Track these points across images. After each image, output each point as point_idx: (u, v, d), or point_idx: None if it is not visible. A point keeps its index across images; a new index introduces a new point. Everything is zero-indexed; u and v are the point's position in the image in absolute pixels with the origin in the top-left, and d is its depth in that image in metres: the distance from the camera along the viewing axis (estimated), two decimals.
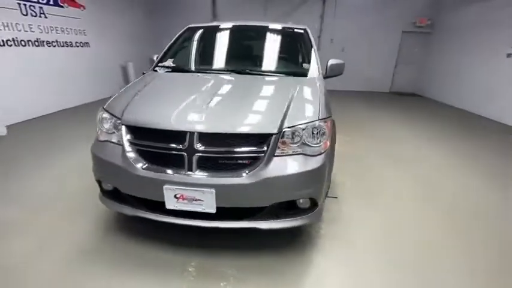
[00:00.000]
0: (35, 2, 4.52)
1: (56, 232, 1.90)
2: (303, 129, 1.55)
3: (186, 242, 1.81)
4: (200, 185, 1.42)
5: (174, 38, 2.79)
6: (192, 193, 1.44)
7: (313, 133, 1.57)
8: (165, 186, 1.44)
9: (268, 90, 1.97)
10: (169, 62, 2.48)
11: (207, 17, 8.00)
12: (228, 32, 2.82)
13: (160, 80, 2.19)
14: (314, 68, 2.35)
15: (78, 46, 5.53)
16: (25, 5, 4.35)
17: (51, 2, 4.84)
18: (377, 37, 7.99)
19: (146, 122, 1.53)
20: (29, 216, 2.06)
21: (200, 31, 2.87)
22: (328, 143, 1.64)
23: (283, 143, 1.51)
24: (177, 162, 1.47)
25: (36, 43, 4.61)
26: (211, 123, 1.50)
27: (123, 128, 1.58)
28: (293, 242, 1.86)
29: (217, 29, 2.88)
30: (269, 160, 1.46)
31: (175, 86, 2.07)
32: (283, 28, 2.83)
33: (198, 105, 1.64)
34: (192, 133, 1.45)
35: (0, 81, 4.05)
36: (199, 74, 2.28)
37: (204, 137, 1.47)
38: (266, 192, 1.47)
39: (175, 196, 1.46)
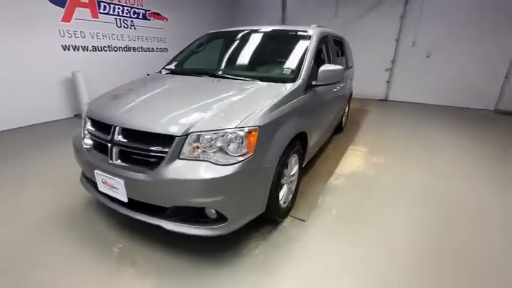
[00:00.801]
0: (127, 17, 5.76)
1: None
2: (222, 136, 1.49)
3: (130, 225, 2.01)
4: (115, 175, 1.58)
5: (190, 43, 3.07)
6: (111, 181, 1.61)
7: (231, 141, 1.49)
8: (95, 171, 1.67)
9: (217, 93, 1.92)
10: (171, 65, 2.77)
11: (278, 22, 8.20)
12: (231, 37, 2.90)
13: (143, 80, 2.49)
14: (299, 75, 2.14)
15: (158, 51, 6.69)
16: (120, 19, 5.62)
17: (140, 17, 6.05)
18: (477, 39, 6.28)
19: (94, 114, 1.81)
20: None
21: (211, 36, 3.04)
22: (249, 154, 1.51)
23: (196, 147, 1.50)
24: (105, 151, 1.68)
25: (125, 49, 5.87)
26: (130, 119, 1.64)
27: (86, 118, 1.91)
28: (222, 251, 1.79)
29: (224, 34, 3.00)
30: (170, 162, 1.48)
31: (145, 85, 2.29)
32: (286, 32, 2.68)
33: (133, 103, 1.81)
34: (115, 126, 1.63)
35: (99, 77, 5.35)
36: (183, 75, 2.47)
37: (123, 131, 1.62)
38: (164, 193, 1.50)
39: (102, 181, 1.67)
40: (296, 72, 2.17)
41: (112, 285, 1.55)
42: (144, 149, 1.55)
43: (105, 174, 1.63)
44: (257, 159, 1.56)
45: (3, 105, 4.22)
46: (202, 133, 1.48)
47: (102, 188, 1.70)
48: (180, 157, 1.48)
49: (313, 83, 2.24)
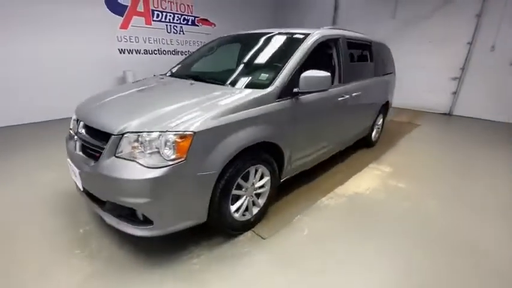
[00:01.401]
0: (177, 23, 6.33)
1: None
2: (155, 138, 1.50)
3: None
4: (76, 164, 1.75)
5: (199, 47, 3.18)
6: (73, 169, 1.79)
7: (164, 144, 1.49)
8: (67, 159, 1.89)
9: (181, 96, 1.91)
10: (174, 68, 2.91)
11: (329, 23, 7.80)
12: (226, 41, 2.94)
13: (137, 81, 2.67)
14: (274, 81, 1.99)
15: None
16: (170, 25, 6.22)
17: (190, 23, 6.57)
18: None
19: (76, 110, 2.04)
20: None
21: (218, 40, 3.07)
22: (180, 159, 1.47)
23: (136, 147, 1.54)
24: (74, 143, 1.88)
25: (174, 53, 6.46)
26: (89, 115, 1.80)
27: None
28: (166, 254, 1.80)
29: (224, 39, 3.00)
30: (106, 158, 1.55)
31: (130, 86, 2.44)
32: (281, 35, 2.51)
33: (102, 101, 1.99)
34: (80, 121, 1.81)
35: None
36: (174, 77, 2.58)
37: (85, 126, 1.79)
38: (99, 187, 1.59)
39: (71, 168, 1.88)
40: (272, 78, 2.01)
41: (55, 256, 1.74)
42: (92, 143, 1.68)
43: (71, 163, 1.82)
44: (190, 165, 1.51)
45: (69, 99, 5.14)
46: (137, 134, 1.52)
47: (71, 174, 1.90)
48: (117, 155, 1.55)
49: (296, 90, 2.04)
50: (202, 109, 1.65)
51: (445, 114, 6.50)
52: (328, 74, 2.02)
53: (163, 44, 6.22)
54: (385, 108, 4.06)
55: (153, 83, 2.44)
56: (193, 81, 2.28)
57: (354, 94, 2.84)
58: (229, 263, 1.74)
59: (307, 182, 2.83)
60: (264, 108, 1.86)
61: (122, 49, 5.55)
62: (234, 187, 1.80)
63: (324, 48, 2.64)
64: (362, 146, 3.93)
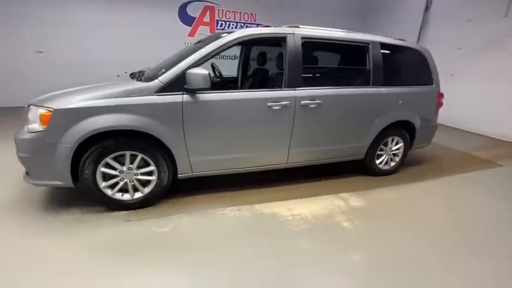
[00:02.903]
0: None
1: None
2: (32, 110, 1.97)
3: None
4: None
5: None
6: None
7: (35, 115, 1.94)
8: None
9: (91, 86, 2.25)
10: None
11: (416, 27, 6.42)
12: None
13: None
14: (161, 76, 2.11)
15: None
16: None
17: None
18: None
19: None
20: None
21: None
22: (42, 129, 1.87)
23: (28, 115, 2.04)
24: None
25: (233, 57, 7.08)
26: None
27: None
28: (58, 209, 2.26)
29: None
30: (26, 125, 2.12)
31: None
32: (216, 36, 2.46)
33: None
34: None
35: None
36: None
37: None
38: None
39: None
40: (163, 72, 2.10)
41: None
42: None
43: None
44: (51, 135, 1.89)
45: None
46: (28, 106, 2.02)
47: None
48: (28, 124, 2.10)
49: (186, 86, 2.04)
50: (81, 93, 2.00)
51: None
52: (205, 72, 1.93)
53: None
54: (406, 130, 3.10)
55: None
56: (119, 75, 2.65)
57: (303, 102, 2.42)
58: (77, 226, 2.01)
59: (232, 189, 2.67)
60: (137, 99, 2.00)
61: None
62: (102, 165, 2.04)
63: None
64: (360, 171, 3.19)
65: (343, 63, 2.89)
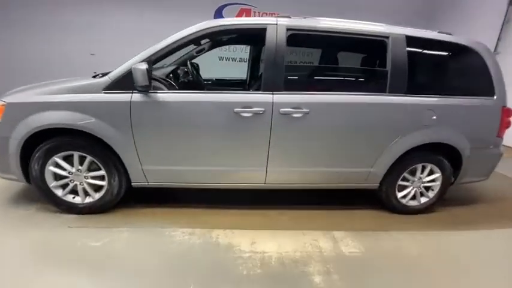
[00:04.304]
0: None
1: None
2: None
3: None
4: None
5: None
6: None
7: None
8: None
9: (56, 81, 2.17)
10: None
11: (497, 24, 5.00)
12: None
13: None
14: (111, 72, 1.91)
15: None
16: None
17: None
18: None
19: None
20: None
21: None
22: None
23: None
24: None
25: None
26: None
27: None
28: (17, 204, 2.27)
29: None
30: None
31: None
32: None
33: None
34: None
35: None
36: None
37: None
38: None
39: None
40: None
41: None
42: None
43: None
44: (4, 129, 1.85)
45: None
46: None
47: None
48: None
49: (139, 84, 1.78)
50: (40, 87, 1.94)
51: None
52: (143, 67, 1.63)
53: None
54: (446, 156, 2.25)
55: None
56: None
57: (284, 110, 1.91)
58: (22, 223, 1.97)
59: (201, 205, 2.30)
60: (82, 97, 1.83)
61: (221, 57, 6.61)
62: (52, 164, 1.93)
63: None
64: (376, 205, 2.45)
65: (348, 62, 2.25)
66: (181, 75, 2.56)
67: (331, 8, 6.26)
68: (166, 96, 1.88)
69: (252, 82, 3.47)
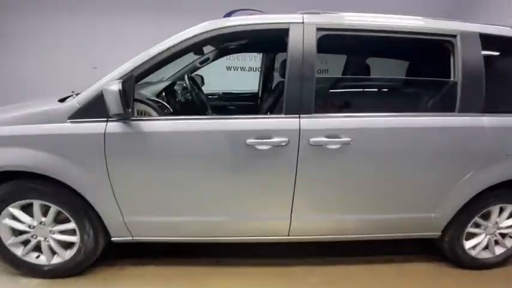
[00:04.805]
0: None
1: None
2: None
3: None
4: None
5: None
6: None
7: None
8: None
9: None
10: None
11: None
12: None
13: None
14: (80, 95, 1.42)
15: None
16: None
17: None
18: None
19: None
20: None
21: None
22: None
23: None
24: None
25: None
26: None
27: None
28: None
29: None
30: None
31: None
32: None
33: None
34: None
35: None
36: None
37: None
38: None
39: None
40: None
41: None
42: None
43: None
44: None
45: None
46: None
47: None
48: None
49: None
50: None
51: None
52: (114, 89, 1.12)
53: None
54: None
55: None
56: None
57: (315, 140, 1.37)
58: None
59: (204, 261, 1.75)
60: (40, 128, 1.34)
61: (228, 66, 6.17)
62: (6, 216, 1.46)
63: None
64: (436, 252, 1.86)
65: (400, 72, 1.69)
66: (179, 92, 2.06)
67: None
68: (153, 124, 1.37)
69: (265, 96, 2.98)
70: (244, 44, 2.15)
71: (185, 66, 2.77)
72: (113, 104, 1.16)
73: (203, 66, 2.76)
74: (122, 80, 1.18)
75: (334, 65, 3.18)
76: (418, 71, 1.74)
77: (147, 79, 1.56)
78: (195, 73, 2.83)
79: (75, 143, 1.35)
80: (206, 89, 3.11)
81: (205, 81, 3.23)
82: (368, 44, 1.63)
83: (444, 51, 1.55)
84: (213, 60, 2.74)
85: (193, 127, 1.39)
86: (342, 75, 2.36)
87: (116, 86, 1.14)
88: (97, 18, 5.72)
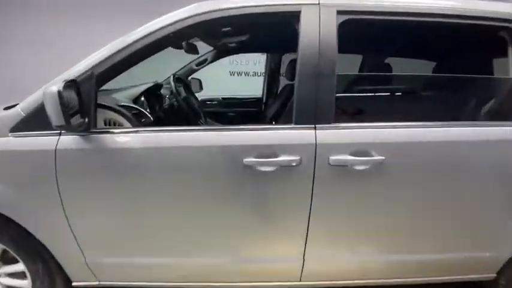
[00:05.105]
0: None
1: None
2: None
3: None
4: None
5: None
6: None
7: None
8: None
9: None
10: None
11: None
12: None
13: None
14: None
15: None
16: None
17: None
18: None
19: None
20: None
21: None
22: None
23: None
24: None
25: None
26: None
27: None
28: None
29: None
30: None
31: None
32: None
33: None
34: None
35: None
36: None
37: None
38: None
39: None
40: None
41: None
42: None
43: None
44: None
45: None
46: None
47: None
48: None
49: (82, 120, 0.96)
50: None
51: None
52: (53, 90, 0.80)
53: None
54: None
55: None
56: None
57: (336, 159, 1.02)
58: None
59: None
60: None
61: (232, 71, 5.90)
62: None
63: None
64: None
65: (443, 69, 1.31)
66: (166, 97, 1.74)
67: None
68: (120, 138, 1.04)
69: (270, 101, 2.66)
70: (245, 41, 1.83)
71: (181, 69, 2.48)
72: (53, 113, 0.83)
73: (201, 68, 2.47)
74: (66, 80, 0.85)
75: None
76: (471, 68, 1.37)
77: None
78: (191, 76, 2.54)
79: (17, 163, 1.03)
80: (206, 94, 2.82)
81: (209, 86, 2.92)
82: (403, 32, 1.26)
83: (500, 42, 1.19)
84: (211, 61, 2.44)
85: (174, 141, 1.05)
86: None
87: (56, 88, 0.81)
88: (94, 20, 5.55)
